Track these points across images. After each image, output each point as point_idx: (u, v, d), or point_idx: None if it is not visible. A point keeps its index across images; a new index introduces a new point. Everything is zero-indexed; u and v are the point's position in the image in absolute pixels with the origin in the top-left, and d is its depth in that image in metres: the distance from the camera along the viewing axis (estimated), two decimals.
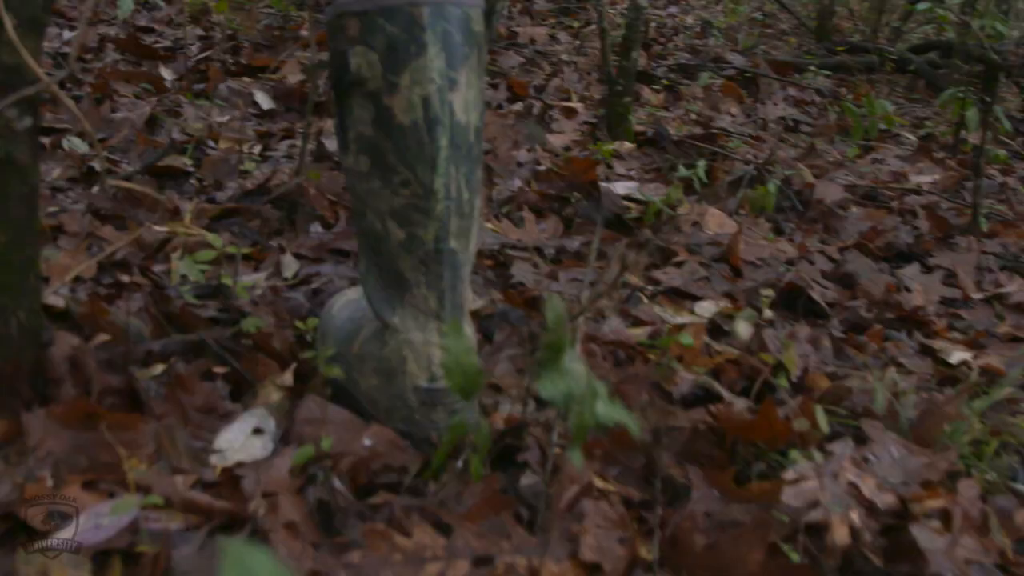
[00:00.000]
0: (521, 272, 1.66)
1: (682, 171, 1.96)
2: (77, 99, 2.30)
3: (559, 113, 2.74)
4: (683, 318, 1.61)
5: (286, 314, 1.40)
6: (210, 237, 1.41)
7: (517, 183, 2.09)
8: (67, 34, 3.15)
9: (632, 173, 2.32)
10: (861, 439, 1.16)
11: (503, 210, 1.97)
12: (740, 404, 1.26)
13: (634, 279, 1.70)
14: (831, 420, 1.21)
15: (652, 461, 1.14)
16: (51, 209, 1.69)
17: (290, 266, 1.59)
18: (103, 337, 1.25)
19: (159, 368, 1.25)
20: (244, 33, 3.02)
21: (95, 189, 1.78)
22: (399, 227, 1.15)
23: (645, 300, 1.64)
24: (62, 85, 2.40)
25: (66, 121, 2.19)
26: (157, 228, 1.68)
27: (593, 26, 4.07)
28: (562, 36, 4.31)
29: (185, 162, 2.05)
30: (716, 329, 1.58)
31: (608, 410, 0.90)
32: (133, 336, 1.30)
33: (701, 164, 1.95)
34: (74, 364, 1.17)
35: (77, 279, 1.49)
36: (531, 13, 4.83)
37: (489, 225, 1.85)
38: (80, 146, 2.08)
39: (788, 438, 1.14)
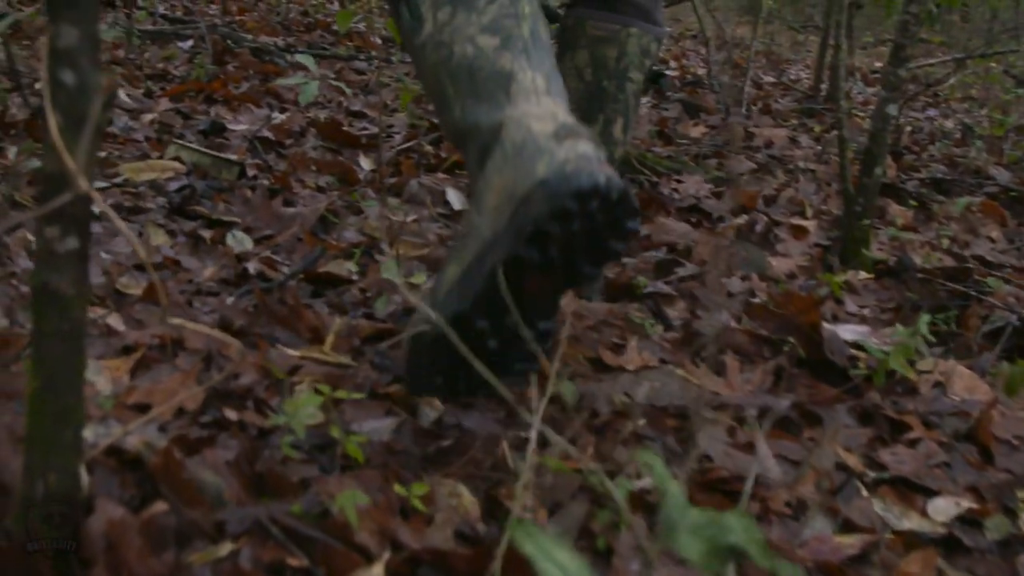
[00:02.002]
0: (711, 442, 1.34)
1: (924, 320, 1.61)
2: (253, 190, 2.14)
3: (787, 232, 2.41)
4: (911, 521, 1.25)
5: (397, 479, 1.13)
6: (319, 383, 1.16)
7: (724, 318, 1.77)
8: (278, 116, 3.04)
9: (866, 311, 1.97)
10: None
11: (702, 353, 1.65)
12: None
13: (852, 460, 1.36)
14: None
15: None
16: (176, 321, 1.49)
17: (429, 414, 1.33)
18: (160, 506, 1.01)
19: (227, 548, 1.00)
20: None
21: (229, 300, 1.57)
22: (492, 36, 1.18)
23: (863, 491, 1.29)
24: (242, 174, 2.25)
25: (235, 214, 2.02)
26: (289, 352, 1.45)
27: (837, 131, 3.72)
28: (803, 139, 3.96)
29: (350, 269, 1.83)
30: (954, 543, 1.22)
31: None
32: (211, 500, 1.06)
33: (923, 320, 1.59)
34: (111, 543, 0.93)
35: (180, 412, 1.27)
36: (772, 112, 4.51)
37: (680, 371, 1.54)
38: (245, 242, 1.90)
39: None
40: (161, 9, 4.76)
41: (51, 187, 0.86)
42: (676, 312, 1.81)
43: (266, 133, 2.72)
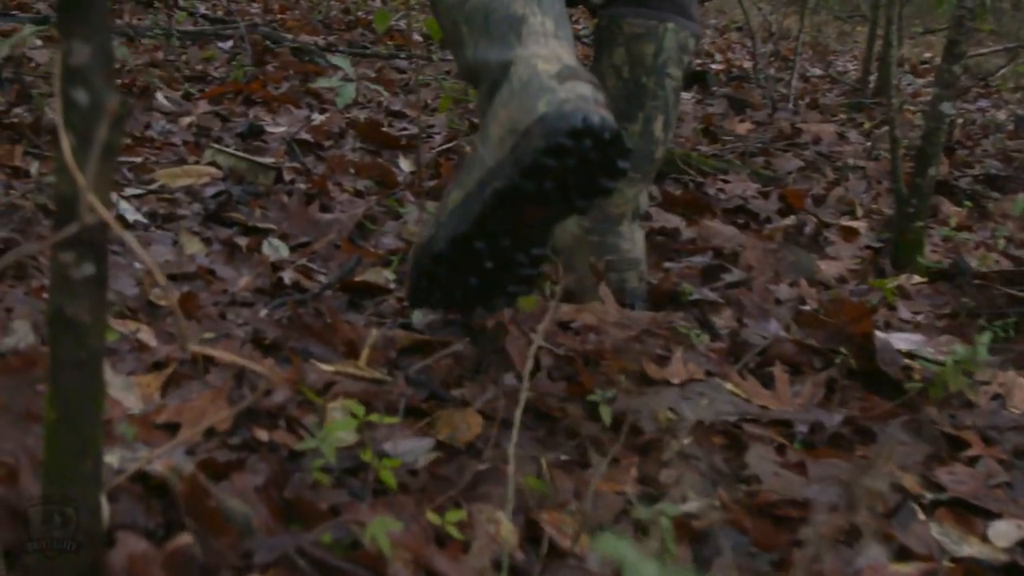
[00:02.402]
0: (759, 461, 1.29)
1: (985, 339, 1.54)
2: (289, 195, 2.10)
3: (836, 233, 2.34)
4: (971, 547, 1.19)
5: (431, 504, 1.09)
6: (352, 405, 1.12)
7: (773, 327, 1.71)
8: (317, 117, 3.01)
9: (920, 317, 1.90)
10: None
11: (750, 364, 1.60)
12: None
13: (908, 481, 1.30)
14: None
15: None
16: (208, 335, 1.46)
17: (466, 433, 1.29)
18: (185, 537, 0.97)
19: None
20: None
21: (262, 312, 1.54)
22: None
23: (920, 515, 1.23)
24: (279, 179, 2.22)
25: (271, 220, 1.99)
26: (322, 367, 1.41)
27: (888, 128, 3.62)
28: (852, 134, 3.88)
29: (387, 277, 1.79)
30: (1016, 572, 1.15)
31: None
32: (239, 529, 1.02)
33: (984, 339, 1.52)
34: None
35: (210, 432, 1.23)
36: (820, 106, 4.42)
37: (729, 385, 1.49)
38: (281, 250, 1.87)
39: None
40: (202, 9, 4.75)
41: (65, 211, 0.82)
42: (723, 320, 1.75)
43: (305, 135, 2.69)
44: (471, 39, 1.31)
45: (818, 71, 6.70)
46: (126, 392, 1.33)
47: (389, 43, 4.54)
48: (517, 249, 1.30)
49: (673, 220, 2.28)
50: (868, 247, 2.28)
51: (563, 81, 1.17)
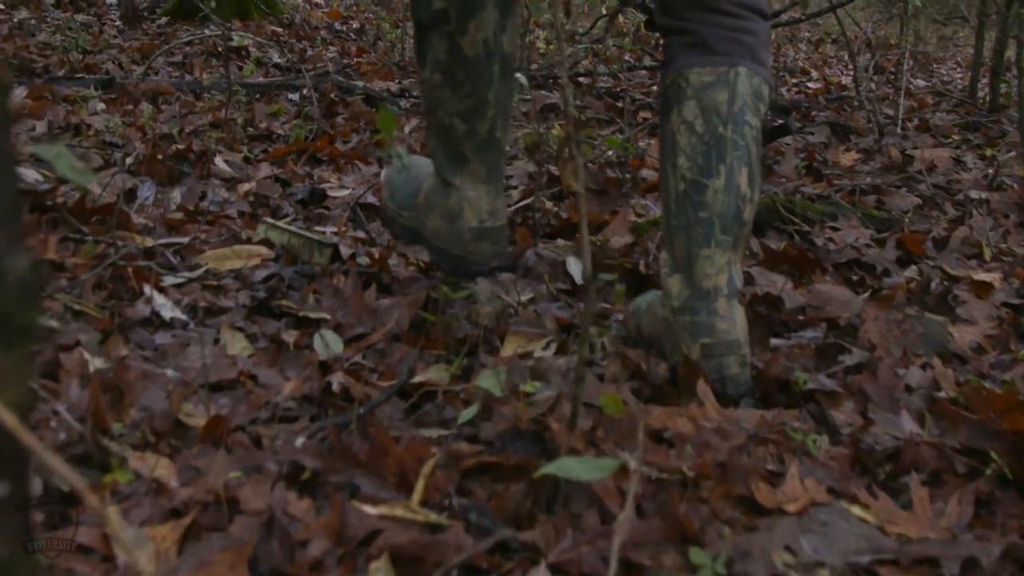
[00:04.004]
0: None
1: None
2: (345, 275, 1.89)
3: (967, 289, 2.05)
4: None
5: None
6: None
7: (905, 424, 1.45)
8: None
9: None
10: None
11: (881, 474, 1.33)
12: None
13: None
14: None
15: None
16: (235, 474, 1.25)
17: None
18: None
19: None
20: (565, 185, 2.54)
21: (299, 442, 1.32)
22: (463, 123, 1.63)
23: None
24: (335, 256, 2.00)
25: (324, 308, 1.78)
26: (367, 509, 1.19)
27: (1012, 152, 3.29)
28: (969, 158, 3.56)
29: (452, 375, 1.57)
30: None
31: None
32: None
33: None
34: None
35: None
36: (931, 128, 4.10)
37: (856, 509, 1.23)
38: (333, 345, 1.65)
39: None
40: (275, 57, 4.60)
41: None
42: (844, 415, 1.49)
43: (370, 198, 2.49)
44: (433, 142, 1.70)
45: (921, 81, 6.34)
46: (138, 548, 1.13)
47: None
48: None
49: (777, 281, 2.02)
50: (1006, 304, 1.99)
51: (475, 239, 1.70)
